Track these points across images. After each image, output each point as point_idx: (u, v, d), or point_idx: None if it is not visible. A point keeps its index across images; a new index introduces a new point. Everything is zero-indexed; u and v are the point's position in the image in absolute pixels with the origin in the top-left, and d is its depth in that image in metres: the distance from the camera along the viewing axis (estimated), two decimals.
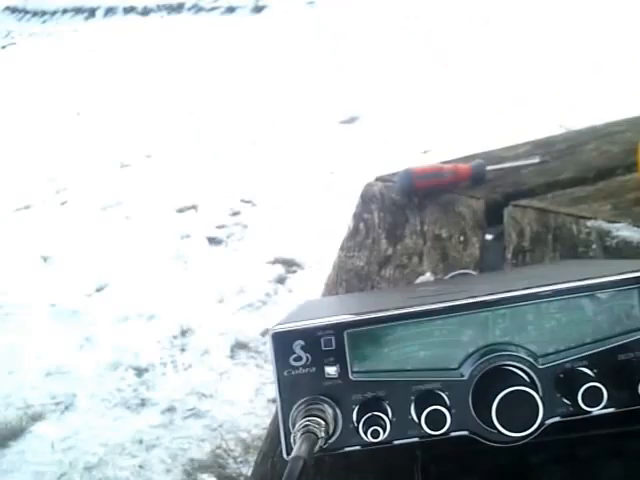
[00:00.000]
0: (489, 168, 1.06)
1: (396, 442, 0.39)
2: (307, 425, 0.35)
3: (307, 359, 0.38)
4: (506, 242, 0.88)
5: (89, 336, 2.29)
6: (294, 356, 0.38)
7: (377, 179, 1.14)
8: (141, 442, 1.85)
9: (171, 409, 1.95)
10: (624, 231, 0.85)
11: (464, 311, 0.38)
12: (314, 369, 0.38)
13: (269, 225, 2.91)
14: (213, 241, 2.85)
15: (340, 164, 3.38)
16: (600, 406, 0.36)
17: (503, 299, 0.38)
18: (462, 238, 0.91)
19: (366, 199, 1.08)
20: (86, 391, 2.06)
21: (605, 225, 0.87)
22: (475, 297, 0.38)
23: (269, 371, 1.90)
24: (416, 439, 0.38)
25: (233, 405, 1.88)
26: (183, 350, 2.17)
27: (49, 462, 1.82)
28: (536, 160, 1.09)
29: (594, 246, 0.83)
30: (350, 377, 0.38)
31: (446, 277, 0.79)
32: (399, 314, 0.38)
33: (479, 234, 0.92)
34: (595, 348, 0.38)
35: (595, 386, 0.36)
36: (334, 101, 4.24)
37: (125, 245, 2.87)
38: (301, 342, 0.38)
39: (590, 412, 0.36)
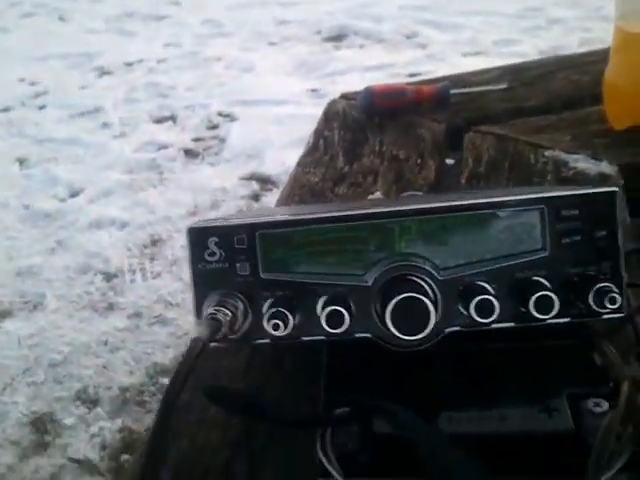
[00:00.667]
0: (454, 91, 1.06)
1: (304, 338, 0.42)
2: (213, 313, 0.38)
3: (220, 255, 0.41)
4: (462, 167, 0.90)
5: (61, 240, 2.31)
6: (208, 251, 0.41)
7: (341, 96, 1.15)
8: (106, 344, 1.90)
9: (138, 315, 1.99)
10: (581, 163, 0.87)
11: (371, 219, 0.40)
12: (227, 265, 0.41)
13: (247, 141, 2.90)
14: (189, 154, 2.84)
15: (324, 82, 3.35)
16: (492, 318, 0.39)
17: (410, 211, 0.40)
18: (419, 160, 0.93)
19: (329, 116, 1.09)
20: (55, 292, 2.10)
21: (563, 155, 0.89)
22: (384, 207, 0.40)
23: None
24: (322, 337, 0.41)
25: None
26: (153, 259, 2.20)
27: (14, 357, 1.87)
28: (503, 86, 1.10)
29: (549, 177, 0.85)
30: (261, 275, 0.41)
31: (397, 197, 0.81)
32: (309, 219, 0.40)
33: (437, 158, 0.93)
34: (495, 264, 0.41)
35: (488, 299, 0.39)
36: (321, 18, 4.17)
37: (101, 152, 2.86)
38: (215, 239, 0.41)
39: (484, 324, 0.39)
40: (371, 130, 1.02)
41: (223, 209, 2.44)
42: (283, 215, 0.41)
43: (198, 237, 0.41)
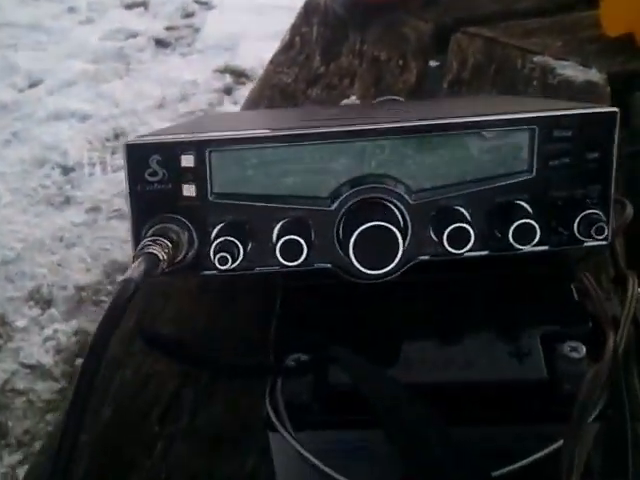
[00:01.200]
0: None
1: (257, 269, 0.38)
2: (148, 245, 0.33)
3: (163, 175, 0.36)
4: (446, 70, 0.85)
5: (16, 131, 2.23)
6: (149, 171, 0.36)
7: None
8: (61, 240, 1.85)
9: (96, 209, 1.93)
10: (569, 70, 0.83)
11: (339, 139, 0.36)
12: (170, 186, 0.36)
13: (223, 31, 2.78)
14: (160, 43, 2.73)
15: None
16: (466, 248, 0.36)
17: (384, 129, 0.36)
18: (401, 62, 0.87)
19: (309, 10, 1.03)
20: (8, 186, 2.03)
21: (551, 62, 0.85)
22: (353, 126, 0.36)
23: None
24: (276, 268, 0.37)
25: None
26: (114, 153, 2.12)
27: None
28: None
29: (535, 82, 0.81)
30: (209, 198, 0.37)
31: (373, 102, 0.76)
32: (267, 136, 0.36)
33: (420, 60, 0.88)
34: (474, 187, 0.37)
35: (464, 227, 0.35)
36: None
37: (65, 39, 2.73)
38: (157, 157, 0.36)
39: (456, 254, 0.36)
40: (352, 27, 0.96)
41: (192, 102, 2.36)
42: (238, 131, 0.37)
43: (138, 154, 0.36)
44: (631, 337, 0.45)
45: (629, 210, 0.47)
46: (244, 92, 2.38)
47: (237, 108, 2.31)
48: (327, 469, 0.32)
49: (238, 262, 0.36)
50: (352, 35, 0.95)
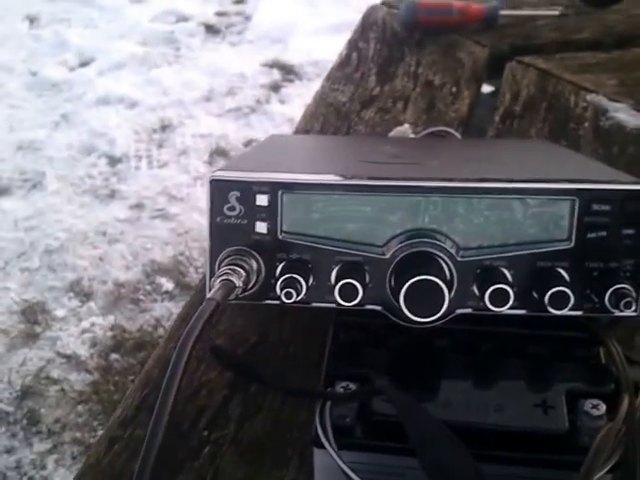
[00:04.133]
0: (503, 13, 1.05)
1: (314, 304, 0.44)
2: (227, 273, 0.39)
3: (240, 210, 0.42)
4: (499, 102, 0.90)
5: (66, 114, 2.31)
6: (228, 205, 0.42)
7: (383, 2, 1.12)
8: (104, 234, 1.92)
9: (140, 206, 2.01)
10: (622, 113, 0.86)
11: (398, 192, 0.42)
12: (245, 221, 0.42)
13: (274, 21, 2.84)
14: (210, 30, 2.80)
15: None
16: (506, 307, 0.41)
17: (437, 188, 0.41)
18: (454, 89, 0.92)
19: (367, 25, 1.08)
20: (56, 172, 2.11)
21: (604, 102, 0.88)
22: (411, 181, 0.41)
23: None
24: (333, 305, 0.43)
25: (203, 213, 1.94)
26: (161, 146, 2.20)
27: (10, 239, 1.89)
28: (556, 12, 1.08)
29: (586, 124, 0.84)
30: (278, 236, 0.42)
31: (424, 131, 0.81)
32: (334, 184, 0.42)
33: (473, 87, 0.93)
34: (517, 250, 0.42)
35: (504, 289, 0.40)
36: None
37: (117, 18, 2.82)
38: (237, 193, 0.42)
39: (495, 311, 0.41)
40: (409, 46, 1.01)
41: (240, 97, 2.42)
42: (308, 174, 0.42)
43: (220, 190, 0.42)
44: None
45: None
46: (291, 90, 2.44)
47: (284, 108, 2.37)
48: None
49: (300, 297, 0.42)
50: (408, 55, 1.00)
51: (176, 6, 2.89)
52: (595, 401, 0.39)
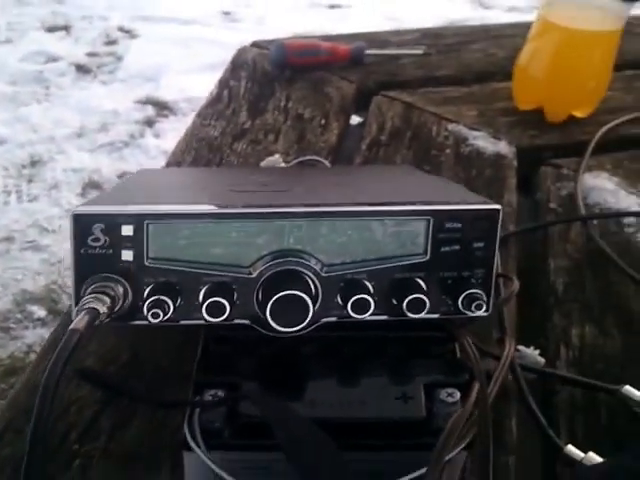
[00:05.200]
0: (369, 52, 1.10)
1: (182, 322, 0.45)
2: (90, 301, 0.40)
3: (105, 241, 0.43)
4: (365, 132, 0.94)
5: None
6: (92, 237, 0.43)
7: (253, 44, 1.16)
8: None
9: (9, 239, 1.97)
10: (480, 141, 0.92)
11: (262, 219, 0.43)
12: (111, 251, 0.43)
13: (146, 61, 2.84)
14: (81, 69, 2.77)
15: (239, 4, 3.30)
16: (367, 314, 0.44)
17: (301, 213, 0.43)
18: (323, 121, 0.96)
19: (237, 65, 1.10)
20: None
21: (464, 131, 0.94)
22: (275, 207, 0.44)
23: None
24: (201, 322, 0.44)
25: None
26: (30, 181, 2.15)
27: None
28: (420, 51, 1.14)
29: (448, 151, 0.90)
30: (145, 262, 0.43)
31: (294, 161, 0.84)
32: (199, 213, 0.43)
33: (341, 120, 0.97)
34: (377, 265, 0.45)
35: (365, 298, 0.43)
36: None
37: None
38: (101, 225, 0.42)
39: (357, 319, 0.44)
40: (279, 83, 1.04)
41: (112, 133, 2.40)
42: (173, 205, 0.44)
43: (83, 223, 0.43)
44: (510, 388, 0.54)
45: (515, 284, 0.56)
46: (166, 125, 2.44)
47: (159, 141, 2.37)
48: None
49: (167, 316, 0.43)
50: (279, 91, 1.03)
51: (45, 47, 2.85)
52: (450, 390, 0.43)
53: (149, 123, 2.50)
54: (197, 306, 0.43)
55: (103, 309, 0.40)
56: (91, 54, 2.87)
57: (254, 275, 0.44)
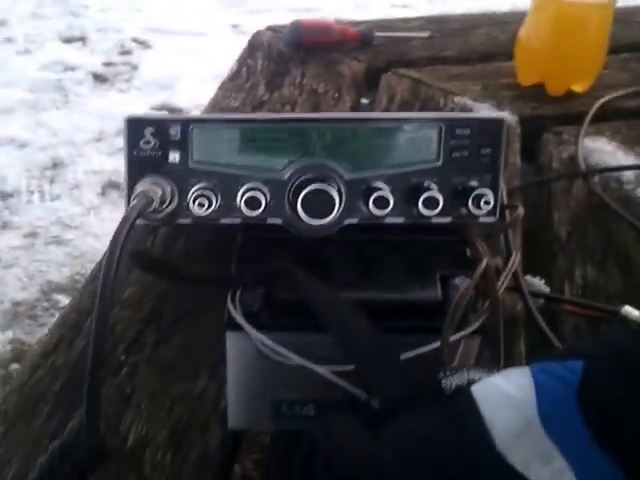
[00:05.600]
0: (378, 34, 1.15)
1: (222, 220, 0.50)
2: (144, 190, 0.45)
3: (155, 144, 0.48)
4: (375, 106, 0.98)
5: None
6: (144, 140, 0.48)
7: (267, 28, 1.21)
8: None
9: (33, 234, 2.02)
10: (485, 111, 0.97)
11: (293, 123, 0.48)
12: (160, 153, 0.48)
13: (160, 70, 2.90)
14: (98, 78, 2.83)
15: (247, 18, 3.37)
16: (386, 211, 0.48)
17: (327, 119, 0.48)
18: (336, 95, 1.00)
19: (253, 46, 1.16)
20: None
21: (470, 102, 0.98)
22: (304, 114, 0.48)
23: None
24: (238, 220, 0.49)
25: (98, 238, 1.96)
26: (52, 182, 2.21)
27: None
28: (425, 34, 1.19)
29: None
30: (189, 165, 0.48)
31: None
32: (238, 119, 0.48)
33: (353, 94, 1.01)
34: (394, 170, 0.49)
35: (384, 196, 0.48)
36: None
37: (2, 68, 2.81)
38: (152, 129, 0.47)
39: (379, 216, 0.49)
40: (294, 62, 1.09)
41: None
42: (215, 114, 0.49)
43: (135, 127, 0.48)
44: (519, 315, 0.59)
45: (520, 210, 0.59)
46: None
47: None
48: (281, 349, 0.43)
49: (210, 210, 0.47)
50: (294, 69, 1.08)
51: (62, 57, 2.92)
52: (463, 278, 0.47)
53: None
54: (236, 205, 0.48)
55: (156, 197, 0.45)
56: (107, 64, 2.94)
57: (285, 177, 0.49)
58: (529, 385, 0.37)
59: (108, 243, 0.41)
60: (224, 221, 0.50)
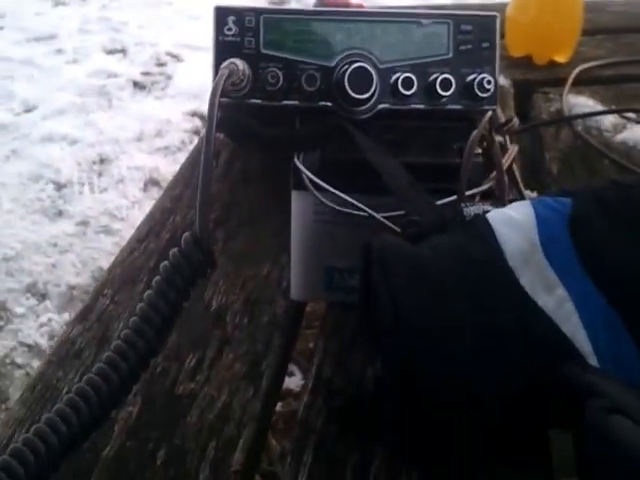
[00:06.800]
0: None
1: (284, 102, 0.59)
2: (227, 65, 0.53)
3: (236, 31, 0.57)
4: None
5: (15, 149, 2.40)
6: (227, 27, 0.57)
7: None
8: (55, 245, 2.00)
9: (85, 223, 2.10)
10: None
11: (338, 17, 0.58)
12: (239, 39, 0.57)
13: (192, 81, 3.00)
14: (137, 85, 2.94)
15: None
16: (412, 91, 0.57)
17: (364, 12, 0.58)
18: None
19: None
20: (9, 195, 2.19)
21: None
22: (347, 9, 0.58)
23: None
24: (297, 102, 0.58)
25: None
26: (100, 175, 2.31)
27: None
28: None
29: None
30: (261, 50, 0.58)
31: None
32: (297, 10, 0.58)
33: None
34: (416, 61, 0.59)
35: (410, 77, 0.57)
36: None
37: (55, 75, 2.93)
38: (233, 17, 0.57)
39: (406, 96, 0.57)
40: None
41: (167, 138, 2.56)
42: (282, 7, 0.59)
43: (222, 14, 0.58)
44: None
45: (515, 120, 0.65)
46: None
47: None
48: (340, 194, 0.51)
49: (277, 86, 0.57)
50: None
51: (106, 67, 3.04)
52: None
53: (197, 132, 2.66)
54: (295, 87, 0.58)
55: (236, 73, 0.54)
56: (145, 73, 3.04)
57: (333, 64, 0.58)
58: (531, 214, 0.42)
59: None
60: (286, 103, 0.58)
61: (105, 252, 1.99)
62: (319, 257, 0.55)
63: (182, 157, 2.39)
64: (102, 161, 2.39)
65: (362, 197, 0.51)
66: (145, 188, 2.27)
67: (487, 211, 0.45)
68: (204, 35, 3.06)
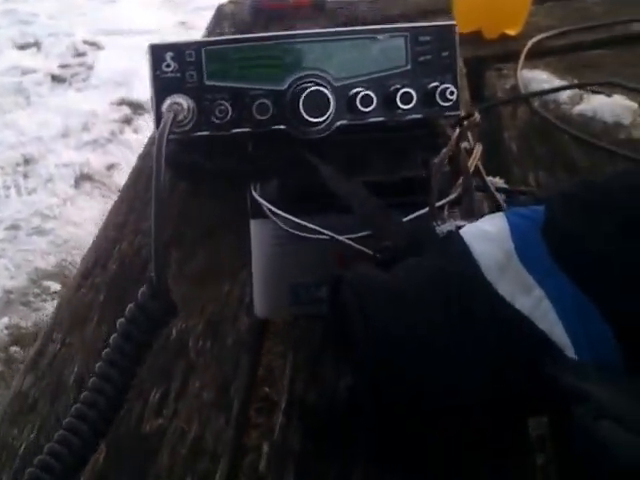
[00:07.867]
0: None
1: (234, 130, 0.57)
2: (171, 105, 0.52)
3: (175, 67, 0.55)
4: None
5: None
6: (165, 63, 0.55)
7: (230, 1, 1.29)
8: None
9: (15, 227, 2.07)
10: None
11: (288, 40, 0.56)
12: (179, 74, 0.55)
13: (115, 68, 2.94)
14: (56, 79, 2.86)
15: (191, 16, 3.42)
16: (370, 108, 0.56)
17: (314, 33, 0.56)
18: None
19: (219, 18, 1.23)
20: None
21: None
22: (294, 32, 0.57)
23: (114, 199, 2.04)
24: (248, 129, 0.57)
25: (78, 226, 2.02)
26: (26, 176, 2.26)
27: None
28: None
29: None
30: (205, 82, 0.56)
31: None
32: (240, 38, 0.56)
33: None
34: (373, 76, 0.57)
35: (369, 94, 0.56)
36: None
37: None
38: (171, 54, 0.55)
39: (364, 112, 0.56)
40: (257, 29, 1.17)
41: (95, 131, 2.50)
42: (224, 37, 0.56)
43: (158, 52, 0.55)
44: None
45: (476, 115, 0.67)
46: (143, 122, 2.55)
47: (139, 136, 2.48)
48: (301, 222, 0.51)
49: (226, 119, 0.55)
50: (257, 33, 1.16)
51: (19, 62, 2.95)
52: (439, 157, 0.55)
53: (127, 121, 2.61)
54: (245, 115, 0.56)
55: (181, 112, 0.53)
56: (63, 65, 2.97)
57: (284, 87, 0.57)
58: (504, 225, 0.45)
59: (153, 157, 0.47)
60: (236, 131, 0.57)
61: (39, 252, 1.97)
62: (283, 277, 0.56)
63: (113, 149, 2.35)
64: (27, 162, 2.34)
65: (324, 217, 0.52)
66: (76, 185, 2.23)
67: (460, 227, 0.47)
68: (121, 18, 3.02)
